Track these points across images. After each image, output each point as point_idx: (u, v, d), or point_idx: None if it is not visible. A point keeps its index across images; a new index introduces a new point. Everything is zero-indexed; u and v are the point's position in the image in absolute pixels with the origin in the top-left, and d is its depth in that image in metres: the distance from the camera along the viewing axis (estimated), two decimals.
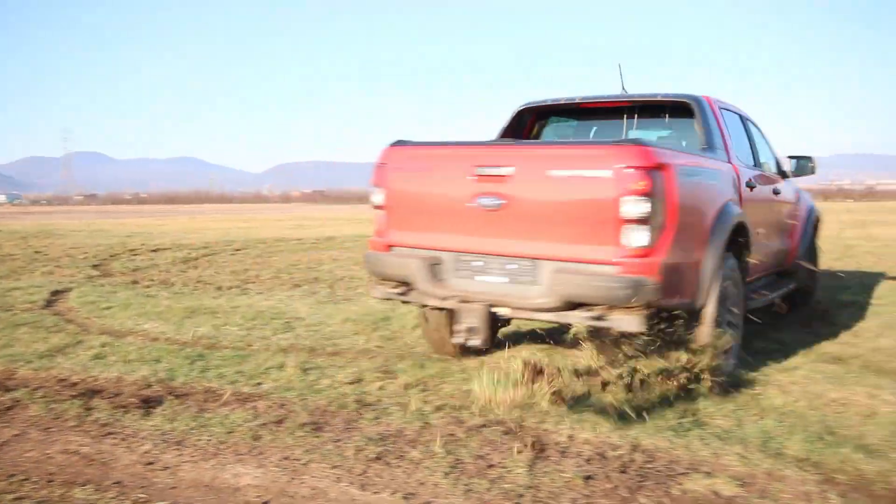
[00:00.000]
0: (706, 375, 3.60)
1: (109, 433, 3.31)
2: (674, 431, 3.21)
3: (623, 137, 4.92)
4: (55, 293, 7.70)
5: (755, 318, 4.61)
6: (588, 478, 2.76)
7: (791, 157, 5.80)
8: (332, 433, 3.28)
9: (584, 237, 3.51)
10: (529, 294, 3.68)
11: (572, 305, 3.53)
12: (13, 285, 8.23)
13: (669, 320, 3.55)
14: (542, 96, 5.37)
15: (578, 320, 3.52)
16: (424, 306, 4.36)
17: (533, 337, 5.13)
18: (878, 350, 4.80)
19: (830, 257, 10.44)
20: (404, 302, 4.27)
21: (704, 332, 3.74)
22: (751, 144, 5.22)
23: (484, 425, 3.33)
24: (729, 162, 4.46)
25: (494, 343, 4.68)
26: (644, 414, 3.34)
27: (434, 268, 3.98)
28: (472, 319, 3.69)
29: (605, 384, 3.52)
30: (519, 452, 2.96)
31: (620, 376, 3.53)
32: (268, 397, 3.81)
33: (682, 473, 2.79)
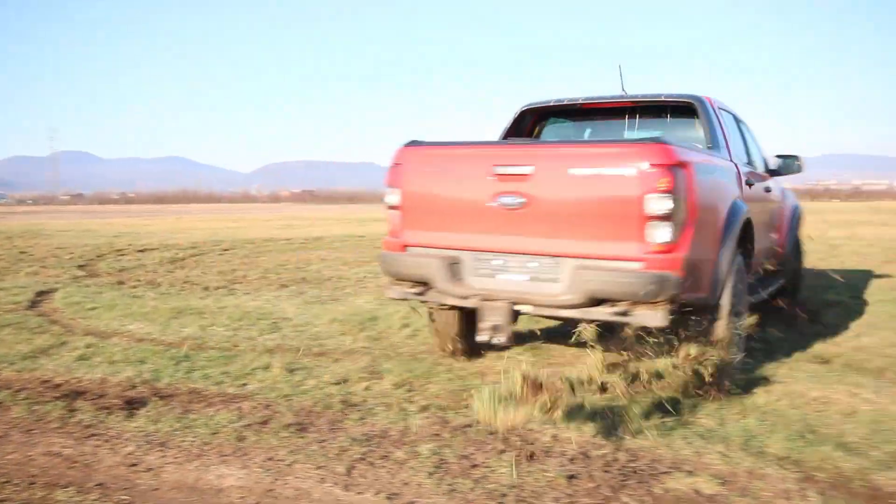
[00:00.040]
0: (714, 370, 3.58)
1: (92, 435, 3.29)
2: (657, 430, 3.23)
3: (641, 137, 4.96)
4: (40, 294, 7.65)
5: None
6: (571, 477, 2.77)
7: (778, 157, 5.87)
8: (317, 434, 3.27)
9: (607, 234, 3.56)
10: (552, 291, 3.70)
11: (596, 302, 3.57)
12: None
13: (685, 315, 3.62)
14: (533, 95, 5.41)
15: (602, 316, 3.57)
16: (442, 306, 4.37)
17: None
18: (860, 349, 4.85)
19: (816, 257, 10.52)
20: (422, 302, 4.26)
21: (721, 325, 3.79)
22: (744, 143, 5.30)
23: (468, 425, 3.34)
24: (730, 160, 4.55)
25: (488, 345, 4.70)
26: (627, 413, 3.37)
27: (453, 267, 3.98)
28: (496, 317, 3.72)
29: (604, 388, 3.50)
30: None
31: (626, 379, 3.53)
32: (253, 398, 3.80)
33: (665, 472, 2.81)
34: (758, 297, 4.92)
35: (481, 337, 3.77)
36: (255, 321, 5.98)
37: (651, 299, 3.41)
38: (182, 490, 2.74)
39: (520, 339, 5.08)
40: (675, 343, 3.61)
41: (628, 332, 3.59)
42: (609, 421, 3.34)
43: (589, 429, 3.28)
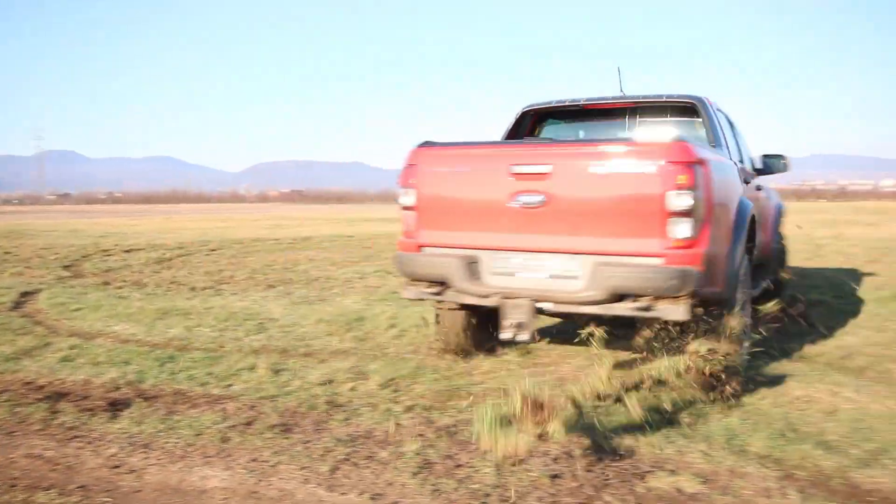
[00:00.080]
0: (724, 369, 3.58)
1: (75, 437, 3.27)
2: (640, 430, 3.25)
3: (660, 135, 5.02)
4: (24, 294, 7.60)
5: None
6: (554, 476, 2.78)
7: (765, 156, 5.94)
8: (302, 434, 3.27)
9: (628, 231, 3.62)
10: (573, 288, 3.75)
11: (618, 297, 3.62)
12: None
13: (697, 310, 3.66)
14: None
15: (624, 311, 3.63)
16: (451, 307, 4.39)
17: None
18: (842, 348, 4.89)
19: (801, 256, 10.60)
20: (439, 301, 4.28)
21: (734, 320, 3.81)
22: (736, 143, 5.37)
23: (453, 425, 3.35)
24: (731, 159, 4.64)
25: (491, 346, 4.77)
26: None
27: (471, 266, 4.00)
28: (519, 315, 3.75)
29: (617, 399, 3.49)
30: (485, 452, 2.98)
31: (636, 387, 3.55)
32: (238, 399, 3.79)
33: (648, 471, 2.83)
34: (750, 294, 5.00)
35: (505, 334, 3.80)
36: (241, 322, 5.97)
37: (673, 294, 3.50)
38: (165, 492, 2.73)
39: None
40: (682, 342, 3.65)
41: (644, 333, 3.66)
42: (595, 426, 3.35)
43: (572, 427, 3.28)
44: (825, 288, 7.60)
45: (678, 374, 3.50)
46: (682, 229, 3.50)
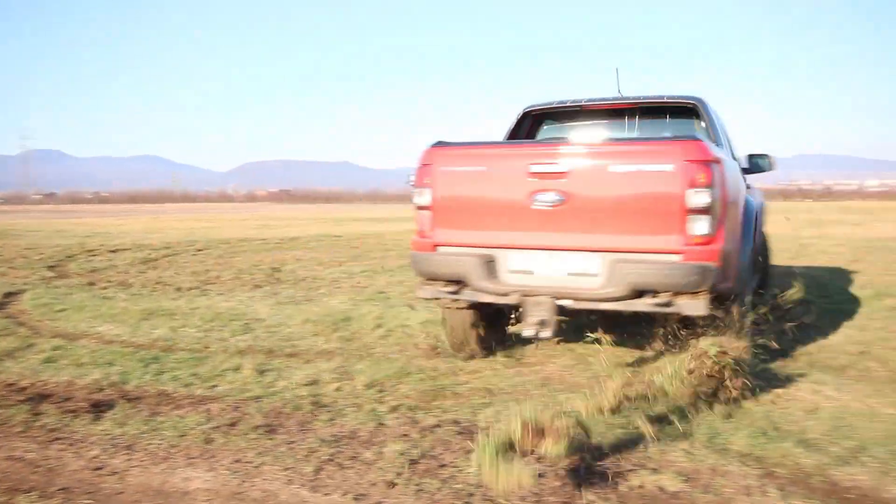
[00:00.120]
0: (734, 367, 3.57)
1: (57, 438, 3.25)
2: (623, 429, 3.26)
3: (677, 134, 5.07)
4: (7, 295, 7.53)
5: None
6: (538, 475, 2.79)
7: (750, 156, 6.00)
8: (286, 435, 3.26)
9: (647, 228, 3.68)
10: (592, 285, 3.80)
11: (638, 293, 3.68)
12: None
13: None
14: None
15: (644, 307, 3.70)
16: (460, 307, 4.42)
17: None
18: (824, 347, 4.93)
19: (786, 256, 10.70)
20: (454, 300, 4.29)
21: (742, 314, 3.90)
22: (728, 143, 5.45)
23: (438, 425, 3.35)
24: (734, 158, 4.80)
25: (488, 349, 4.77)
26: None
27: (489, 265, 4.03)
28: (541, 312, 3.78)
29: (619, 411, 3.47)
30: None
31: (642, 397, 3.53)
32: (222, 400, 3.78)
33: (630, 470, 2.84)
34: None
35: (527, 332, 3.83)
36: (227, 322, 5.94)
37: (693, 289, 3.58)
38: (147, 493, 2.71)
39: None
40: (689, 340, 3.73)
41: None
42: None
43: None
44: (810, 287, 7.65)
45: (682, 381, 3.50)
46: (701, 226, 3.59)
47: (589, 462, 2.86)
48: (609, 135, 5.31)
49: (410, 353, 4.80)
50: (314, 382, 4.10)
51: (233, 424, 3.40)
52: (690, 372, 3.52)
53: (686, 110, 5.04)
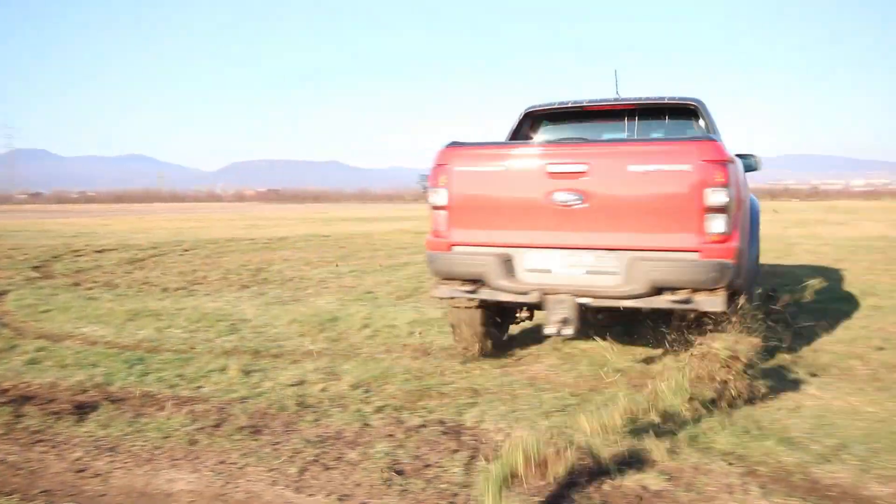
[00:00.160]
0: (744, 366, 3.59)
1: (39, 441, 3.23)
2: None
3: (694, 135, 5.12)
4: None
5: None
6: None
7: (737, 155, 6.06)
8: (271, 436, 3.26)
9: (665, 226, 3.75)
10: (612, 283, 3.86)
11: (657, 291, 3.74)
12: None
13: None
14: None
15: (664, 304, 3.76)
16: (468, 306, 4.45)
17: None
18: (807, 345, 4.97)
19: (773, 255, 10.77)
20: (471, 299, 4.30)
21: (749, 310, 3.94)
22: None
23: (423, 425, 3.35)
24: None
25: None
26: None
27: (507, 263, 4.06)
28: (563, 311, 3.82)
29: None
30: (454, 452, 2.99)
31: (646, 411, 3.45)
32: (207, 401, 3.77)
33: (614, 469, 2.85)
34: None
35: (549, 330, 3.86)
36: (213, 323, 5.92)
37: (711, 286, 3.66)
38: (130, 495, 2.70)
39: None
40: (695, 339, 3.76)
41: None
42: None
43: (542, 427, 3.31)
44: (795, 286, 7.72)
45: (685, 391, 3.40)
46: (718, 224, 3.66)
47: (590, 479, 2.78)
48: (609, 136, 5.38)
49: (397, 354, 4.80)
50: (300, 383, 4.09)
51: (217, 425, 3.39)
52: (694, 381, 3.48)
53: (685, 111, 5.13)
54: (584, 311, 3.91)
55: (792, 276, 8.62)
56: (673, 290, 3.74)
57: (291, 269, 10.16)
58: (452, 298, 4.36)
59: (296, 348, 5.03)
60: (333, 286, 8.24)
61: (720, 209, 3.65)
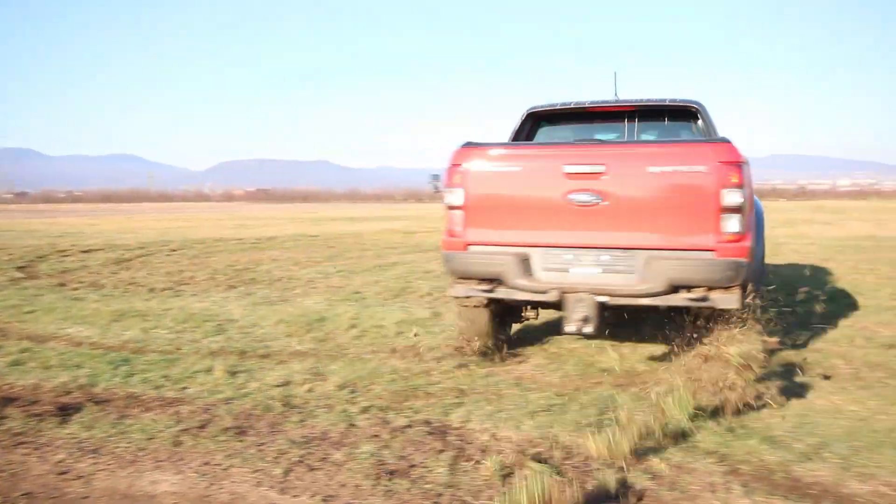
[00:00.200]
0: (759, 364, 3.61)
1: (21, 443, 3.20)
2: (593, 427, 3.29)
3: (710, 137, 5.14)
4: None
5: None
6: (507, 476, 2.81)
7: None
8: (256, 437, 3.25)
9: (682, 226, 3.83)
10: (629, 281, 3.92)
11: (673, 289, 3.81)
12: None
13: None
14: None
15: (680, 302, 3.83)
16: (476, 305, 4.47)
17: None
18: (791, 345, 5.01)
19: None
20: (488, 298, 4.32)
21: (758, 307, 3.99)
22: None
23: (409, 426, 3.35)
24: None
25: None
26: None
27: (524, 263, 4.09)
28: (583, 309, 3.87)
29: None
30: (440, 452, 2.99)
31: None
32: (193, 402, 3.75)
33: (598, 468, 2.87)
34: None
35: (569, 328, 3.90)
36: (200, 323, 5.89)
37: (727, 284, 3.74)
38: (113, 497, 2.68)
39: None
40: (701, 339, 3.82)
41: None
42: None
43: (528, 427, 3.32)
44: (780, 285, 7.77)
45: (690, 405, 3.32)
46: (733, 224, 3.74)
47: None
48: (609, 136, 5.43)
49: (384, 354, 4.80)
50: (286, 384, 4.08)
51: (202, 427, 3.37)
52: (697, 391, 3.44)
53: (686, 114, 5.21)
54: (603, 309, 3.95)
55: (777, 276, 8.68)
56: (689, 288, 3.82)
57: (280, 269, 10.13)
58: (468, 297, 4.38)
59: (283, 349, 5.02)
60: (321, 286, 8.22)
61: (735, 209, 3.73)
